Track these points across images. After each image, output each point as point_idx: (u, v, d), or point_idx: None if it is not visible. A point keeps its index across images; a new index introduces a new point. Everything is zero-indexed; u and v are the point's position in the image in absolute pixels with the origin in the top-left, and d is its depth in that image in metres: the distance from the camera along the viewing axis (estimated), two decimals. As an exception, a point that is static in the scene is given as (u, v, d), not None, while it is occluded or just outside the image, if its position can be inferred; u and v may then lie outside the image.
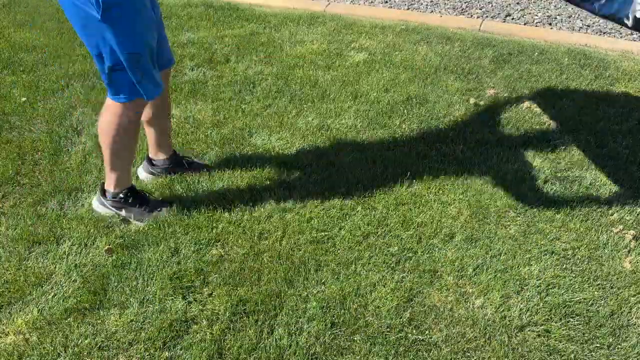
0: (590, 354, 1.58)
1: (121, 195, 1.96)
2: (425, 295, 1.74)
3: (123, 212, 1.99)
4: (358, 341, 1.59)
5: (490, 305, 1.71)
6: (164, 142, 2.17)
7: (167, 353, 1.54)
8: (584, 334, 1.63)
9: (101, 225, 1.97)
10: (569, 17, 3.90)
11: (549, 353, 1.58)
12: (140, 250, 1.88)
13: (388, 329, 1.62)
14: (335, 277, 1.79)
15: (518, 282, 1.79)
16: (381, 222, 2.01)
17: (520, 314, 1.69)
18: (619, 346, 1.60)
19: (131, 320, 1.63)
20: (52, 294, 1.71)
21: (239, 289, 1.74)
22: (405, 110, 2.71)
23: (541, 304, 1.72)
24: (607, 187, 2.22)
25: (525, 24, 3.83)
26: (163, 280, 1.76)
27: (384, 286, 1.76)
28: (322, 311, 1.67)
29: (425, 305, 1.71)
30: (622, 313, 1.70)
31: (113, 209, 1.99)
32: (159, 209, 2.01)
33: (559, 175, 2.29)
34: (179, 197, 2.11)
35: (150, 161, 2.21)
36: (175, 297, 1.70)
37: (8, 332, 1.60)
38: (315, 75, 3.03)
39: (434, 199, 2.14)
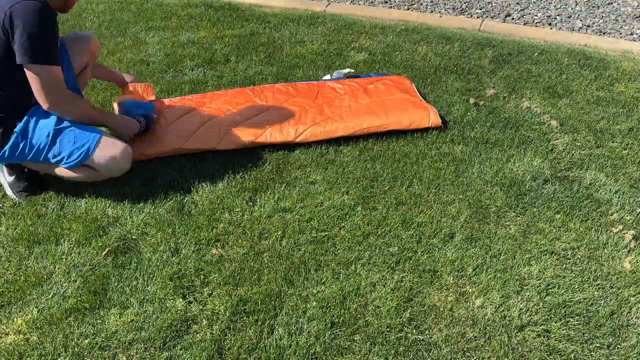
0: (590, 354, 1.58)
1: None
2: (425, 295, 1.74)
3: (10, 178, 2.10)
4: (358, 341, 1.59)
5: (490, 305, 1.71)
6: None
7: (167, 353, 1.54)
8: (583, 334, 1.64)
9: (101, 225, 1.97)
10: (569, 17, 3.90)
11: (548, 353, 1.58)
12: (140, 250, 1.88)
13: (388, 329, 1.63)
14: (335, 277, 1.79)
15: (518, 282, 1.79)
16: (381, 222, 2.01)
17: (520, 314, 1.69)
18: (619, 346, 1.61)
19: (131, 320, 1.63)
20: (52, 293, 1.72)
21: (239, 289, 1.74)
22: (405, 110, 2.71)
23: (541, 304, 1.72)
24: (607, 187, 2.23)
25: (525, 24, 3.84)
26: (163, 280, 1.76)
27: (384, 286, 1.76)
28: (322, 311, 1.67)
29: (425, 305, 1.71)
30: (622, 313, 1.70)
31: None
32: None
33: (559, 175, 2.29)
34: (179, 197, 2.12)
35: None
36: (175, 297, 1.70)
37: (8, 332, 1.60)
38: (315, 76, 3.03)
39: (434, 199, 2.14)
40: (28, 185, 2.12)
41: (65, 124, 1.97)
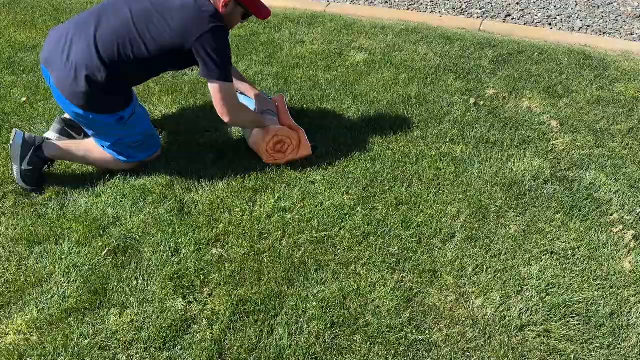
0: (590, 354, 1.58)
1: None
2: (425, 295, 1.74)
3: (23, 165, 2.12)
4: (358, 341, 1.59)
5: (490, 305, 1.71)
6: None
7: (167, 353, 1.55)
8: (583, 334, 1.64)
9: (101, 225, 1.97)
10: (569, 17, 3.90)
11: (548, 353, 1.58)
12: (140, 250, 1.88)
13: (388, 329, 1.63)
14: (335, 277, 1.79)
15: (518, 282, 1.79)
16: (381, 222, 2.01)
17: (520, 314, 1.69)
18: (619, 346, 1.61)
19: (131, 320, 1.63)
20: (52, 293, 1.72)
21: (239, 289, 1.74)
22: (405, 110, 2.71)
23: (541, 303, 1.72)
24: (607, 187, 2.23)
25: (525, 24, 3.84)
26: (163, 280, 1.76)
27: (384, 286, 1.76)
28: (322, 311, 1.67)
29: (425, 305, 1.71)
30: (622, 313, 1.70)
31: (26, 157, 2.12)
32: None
33: (559, 175, 2.29)
34: (179, 197, 2.12)
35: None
36: (175, 297, 1.71)
37: (8, 332, 1.60)
38: (315, 76, 3.03)
39: (434, 199, 2.14)
40: (37, 176, 2.16)
41: (147, 126, 2.24)
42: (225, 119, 2.14)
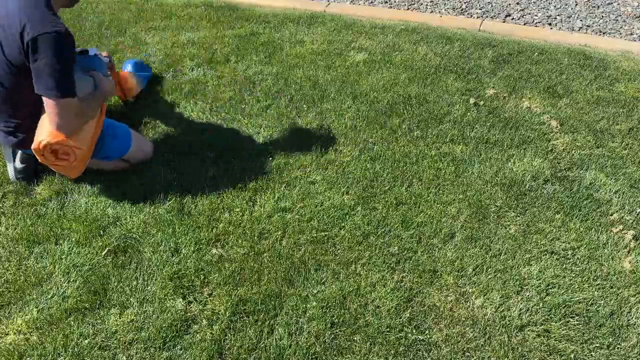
0: (590, 354, 1.58)
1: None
2: (425, 295, 1.74)
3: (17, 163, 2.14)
4: (358, 341, 1.59)
5: (490, 305, 1.71)
6: None
7: (167, 353, 1.55)
8: (583, 334, 1.64)
9: (101, 225, 1.97)
10: (569, 17, 3.90)
11: (548, 353, 1.58)
12: (140, 250, 1.88)
13: (388, 329, 1.63)
14: (335, 277, 1.79)
15: (518, 282, 1.79)
16: (381, 222, 2.01)
17: (520, 313, 1.69)
18: (619, 346, 1.61)
19: (131, 320, 1.63)
20: (52, 293, 1.72)
21: (239, 289, 1.74)
22: (405, 110, 2.71)
23: (541, 303, 1.72)
24: (607, 187, 2.23)
25: (525, 24, 3.83)
26: (163, 280, 1.76)
27: (384, 286, 1.76)
28: (322, 311, 1.67)
29: (425, 305, 1.71)
30: (622, 313, 1.70)
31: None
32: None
33: (559, 175, 2.29)
34: (179, 197, 2.12)
35: None
36: (175, 297, 1.71)
37: (8, 332, 1.60)
38: (315, 75, 3.03)
39: (434, 199, 2.14)
40: (31, 173, 2.19)
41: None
42: (63, 133, 1.86)
